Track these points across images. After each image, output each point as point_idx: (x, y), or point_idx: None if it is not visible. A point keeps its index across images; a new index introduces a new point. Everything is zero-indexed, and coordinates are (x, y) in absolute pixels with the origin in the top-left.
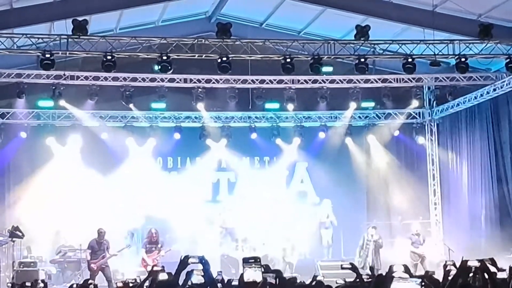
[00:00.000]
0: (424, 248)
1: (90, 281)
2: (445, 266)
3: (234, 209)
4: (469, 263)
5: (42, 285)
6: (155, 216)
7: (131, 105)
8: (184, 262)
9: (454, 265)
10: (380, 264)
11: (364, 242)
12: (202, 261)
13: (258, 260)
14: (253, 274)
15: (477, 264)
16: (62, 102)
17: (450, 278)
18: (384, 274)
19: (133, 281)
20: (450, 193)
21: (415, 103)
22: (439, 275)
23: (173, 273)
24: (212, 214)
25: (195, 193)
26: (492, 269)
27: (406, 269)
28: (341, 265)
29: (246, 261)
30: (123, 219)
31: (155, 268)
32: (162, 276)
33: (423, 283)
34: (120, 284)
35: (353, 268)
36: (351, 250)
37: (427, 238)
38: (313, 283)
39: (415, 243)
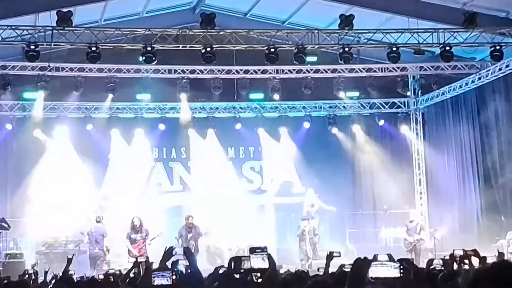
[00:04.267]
0: (418, 237)
1: (70, 272)
2: (430, 261)
3: (217, 201)
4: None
5: (31, 271)
6: (143, 207)
7: (109, 95)
8: (168, 253)
9: (442, 265)
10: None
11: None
12: (186, 252)
13: (265, 249)
14: (260, 262)
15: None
16: (48, 94)
17: (431, 267)
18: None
19: (117, 272)
20: (436, 183)
21: (400, 92)
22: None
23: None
24: (195, 205)
25: (179, 183)
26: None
27: (391, 258)
28: (331, 252)
29: (253, 251)
30: (110, 210)
31: (139, 259)
32: (154, 266)
33: (401, 267)
34: (101, 276)
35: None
36: (337, 239)
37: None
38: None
39: (410, 230)
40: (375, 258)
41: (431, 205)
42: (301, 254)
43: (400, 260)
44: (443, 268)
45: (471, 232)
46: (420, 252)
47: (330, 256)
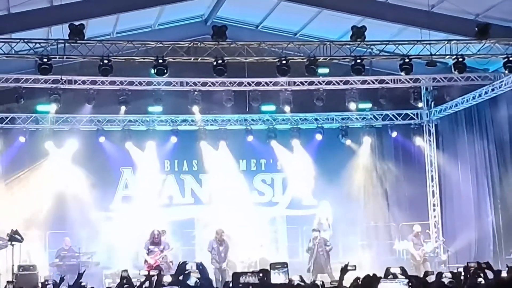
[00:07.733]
0: (426, 249)
1: (82, 284)
2: (439, 274)
3: (228, 214)
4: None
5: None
6: (154, 219)
7: (122, 108)
8: (182, 268)
9: (452, 278)
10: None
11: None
12: (200, 267)
13: (286, 265)
14: (279, 277)
15: (475, 265)
16: (60, 107)
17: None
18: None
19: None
20: (449, 195)
21: (412, 104)
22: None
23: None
24: (206, 218)
25: (191, 196)
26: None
27: (403, 271)
28: (345, 265)
29: (273, 266)
30: (120, 223)
31: (151, 273)
32: (167, 279)
33: (410, 284)
34: None
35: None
36: (348, 251)
37: (426, 240)
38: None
39: (416, 244)
40: (388, 271)
41: (444, 217)
42: (309, 265)
43: (409, 277)
44: (453, 281)
45: (487, 245)
46: (434, 263)
47: (345, 269)
